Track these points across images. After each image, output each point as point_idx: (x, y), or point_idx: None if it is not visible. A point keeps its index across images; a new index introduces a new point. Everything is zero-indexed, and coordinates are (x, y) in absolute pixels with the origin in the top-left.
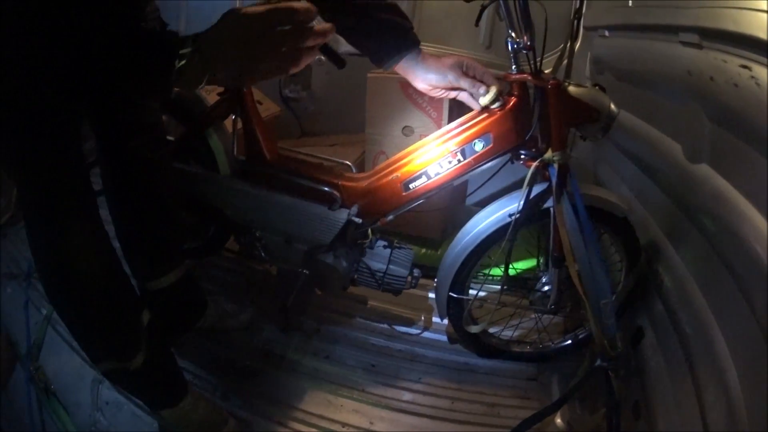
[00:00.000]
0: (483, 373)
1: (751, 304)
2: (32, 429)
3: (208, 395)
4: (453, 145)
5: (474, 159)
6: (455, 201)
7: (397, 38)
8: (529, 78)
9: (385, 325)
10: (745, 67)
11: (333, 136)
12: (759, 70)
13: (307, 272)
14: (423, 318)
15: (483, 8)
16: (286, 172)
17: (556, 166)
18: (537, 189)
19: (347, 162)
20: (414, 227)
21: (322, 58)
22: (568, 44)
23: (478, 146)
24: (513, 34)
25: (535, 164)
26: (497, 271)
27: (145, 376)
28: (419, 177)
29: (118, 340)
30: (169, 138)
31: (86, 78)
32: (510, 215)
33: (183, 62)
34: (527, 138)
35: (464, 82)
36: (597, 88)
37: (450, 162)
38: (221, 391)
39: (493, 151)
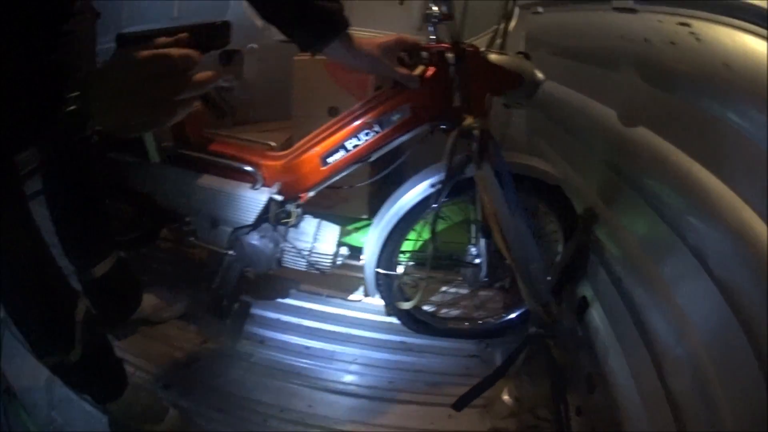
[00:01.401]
0: (421, 352)
1: (704, 261)
2: None
3: (148, 386)
4: (369, 117)
5: (392, 130)
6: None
7: (322, 23)
8: (448, 47)
9: (318, 307)
10: (683, 24)
11: (264, 123)
12: (699, 26)
13: (233, 253)
14: (356, 298)
15: None
16: (210, 154)
17: (476, 132)
18: (459, 159)
19: (271, 143)
20: (341, 208)
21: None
22: (502, 24)
23: (395, 117)
24: (432, 6)
25: (454, 132)
26: (425, 245)
27: (85, 369)
28: (337, 151)
29: (51, 336)
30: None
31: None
32: (432, 185)
33: (71, 107)
34: (447, 108)
35: (396, 74)
36: (521, 55)
37: (367, 134)
38: (161, 381)
39: (411, 121)
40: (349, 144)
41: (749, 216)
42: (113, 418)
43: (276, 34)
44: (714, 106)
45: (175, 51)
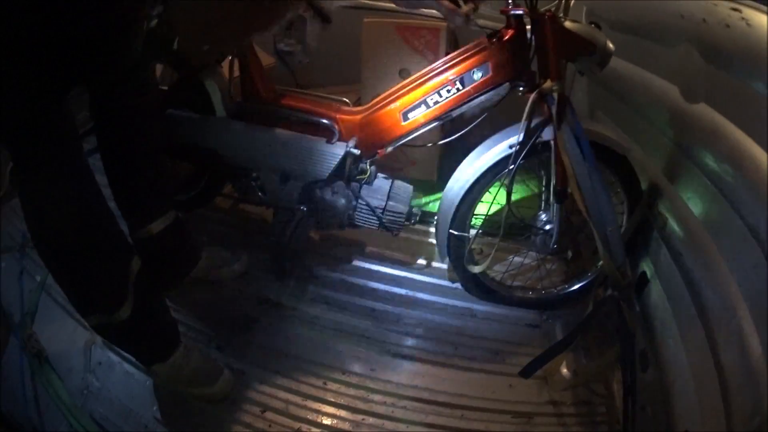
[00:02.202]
0: (484, 319)
1: (758, 237)
2: (25, 401)
3: (202, 346)
4: (452, 74)
5: (473, 87)
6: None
7: None
8: (526, 11)
9: (385, 269)
10: (735, 9)
11: (328, 87)
12: (749, 12)
13: (305, 209)
14: (423, 262)
15: None
16: (283, 107)
17: (555, 95)
18: (537, 122)
19: (344, 99)
20: (410, 170)
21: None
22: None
23: (477, 75)
24: None
25: (534, 94)
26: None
27: (133, 329)
28: (418, 106)
29: (102, 292)
30: (162, 88)
31: (59, 41)
32: (510, 146)
33: (154, 22)
34: (525, 70)
35: (441, 7)
36: (592, 25)
37: (449, 91)
38: (216, 342)
39: (491, 80)
40: (431, 100)
41: None
42: (159, 381)
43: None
44: (763, 87)
45: None
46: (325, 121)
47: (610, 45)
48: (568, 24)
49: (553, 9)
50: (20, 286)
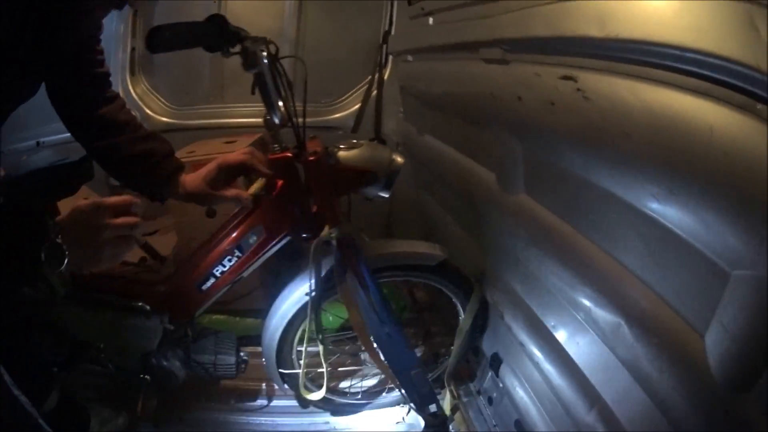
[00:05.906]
0: (347, 427)
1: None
2: None
3: None
4: (228, 243)
5: (252, 252)
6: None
7: (151, 175)
8: (291, 156)
9: (244, 403)
10: (568, 78)
11: (160, 218)
12: (588, 79)
13: (147, 377)
14: (276, 388)
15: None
16: (102, 290)
17: (334, 242)
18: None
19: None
20: (240, 302)
21: None
22: (376, 74)
23: (252, 239)
24: (271, 113)
25: (314, 243)
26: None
27: None
28: (208, 279)
29: None
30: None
31: None
32: (307, 294)
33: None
34: (304, 218)
35: (226, 199)
36: (375, 142)
37: (230, 260)
38: None
39: (268, 240)
40: (217, 271)
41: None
42: None
43: None
44: (609, 184)
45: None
46: (136, 302)
47: (397, 160)
48: (342, 155)
49: (362, 95)
50: None
